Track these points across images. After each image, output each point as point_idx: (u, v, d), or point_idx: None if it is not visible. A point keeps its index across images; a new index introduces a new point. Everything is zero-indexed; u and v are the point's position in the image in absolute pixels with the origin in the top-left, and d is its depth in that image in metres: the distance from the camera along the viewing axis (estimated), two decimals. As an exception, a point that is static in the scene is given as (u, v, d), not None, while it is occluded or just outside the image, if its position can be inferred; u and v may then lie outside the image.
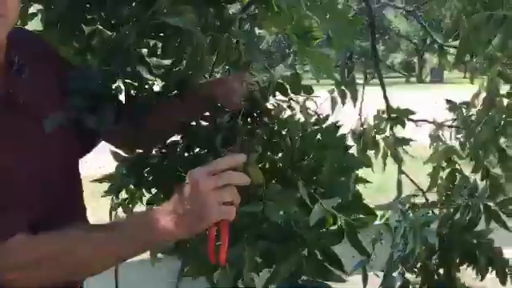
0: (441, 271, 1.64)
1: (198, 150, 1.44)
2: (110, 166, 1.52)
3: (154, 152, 1.51)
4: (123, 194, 1.63)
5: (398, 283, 1.64)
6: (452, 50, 2.03)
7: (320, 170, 1.27)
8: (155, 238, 1.12)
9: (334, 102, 1.59)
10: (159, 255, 1.65)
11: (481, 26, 1.44)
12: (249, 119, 1.34)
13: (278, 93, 1.41)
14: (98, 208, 1.63)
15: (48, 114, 1.15)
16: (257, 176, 1.18)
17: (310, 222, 1.14)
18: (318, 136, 1.34)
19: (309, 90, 1.33)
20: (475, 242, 1.56)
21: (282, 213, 1.23)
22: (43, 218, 1.12)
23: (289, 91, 1.33)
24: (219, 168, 1.09)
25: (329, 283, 1.19)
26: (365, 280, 1.48)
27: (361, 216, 1.25)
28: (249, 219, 1.22)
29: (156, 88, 1.50)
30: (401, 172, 2.10)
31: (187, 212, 1.07)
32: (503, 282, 1.61)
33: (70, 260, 1.08)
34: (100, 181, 1.43)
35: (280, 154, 1.32)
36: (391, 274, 1.51)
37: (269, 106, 1.36)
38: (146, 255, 1.34)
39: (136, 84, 1.45)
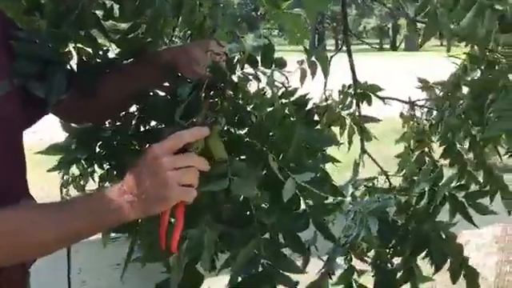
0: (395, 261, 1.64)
1: (154, 123, 1.41)
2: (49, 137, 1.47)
3: (106, 124, 1.48)
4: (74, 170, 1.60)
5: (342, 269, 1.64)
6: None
7: (287, 147, 1.27)
8: (108, 220, 1.09)
9: (303, 74, 1.56)
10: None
11: (450, 5, 1.44)
12: (212, 92, 1.31)
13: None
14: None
15: None
16: (219, 151, 1.17)
17: (284, 198, 1.14)
18: (286, 111, 1.32)
19: (281, 63, 1.30)
20: (432, 233, 1.54)
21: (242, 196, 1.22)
22: None
23: (259, 64, 1.31)
24: (182, 141, 1.08)
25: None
26: (305, 262, 1.48)
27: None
28: (209, 199, 1.20)
29: (111, 54, 1.47)
30: (364, 151, 2.10)
31: (144, 191, 1.05)
32: (454, 281, 1.59)
33: (12, 241, 1.04)
34: (46, 153, 1.40)
35: (246, 130, 1.30)
36: (334, 259, 1.51)
37: (234, 78, 1.33)
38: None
39: (89, 49, 1.42)
